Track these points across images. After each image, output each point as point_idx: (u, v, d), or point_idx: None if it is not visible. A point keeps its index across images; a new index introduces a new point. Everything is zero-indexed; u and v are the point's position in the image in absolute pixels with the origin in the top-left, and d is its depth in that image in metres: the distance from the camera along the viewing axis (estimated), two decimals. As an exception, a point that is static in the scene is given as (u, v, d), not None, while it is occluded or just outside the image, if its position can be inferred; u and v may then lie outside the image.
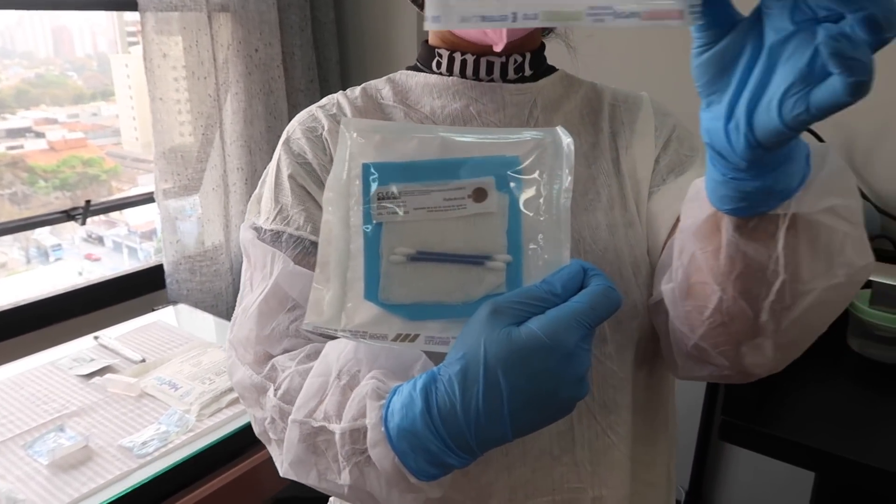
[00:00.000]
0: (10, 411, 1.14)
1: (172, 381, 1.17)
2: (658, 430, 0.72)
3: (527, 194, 0.50)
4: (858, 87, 0.35)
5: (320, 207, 0.63)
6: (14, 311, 1.56)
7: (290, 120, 0.72)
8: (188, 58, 1.66)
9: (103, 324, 1.50)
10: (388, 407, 0.47)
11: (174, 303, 1.68)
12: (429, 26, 0.42)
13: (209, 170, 1.76)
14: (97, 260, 2.84)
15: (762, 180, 0.43)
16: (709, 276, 0.52)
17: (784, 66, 0.37)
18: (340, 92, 0.72)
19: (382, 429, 0.47)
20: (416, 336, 0.49)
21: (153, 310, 1.56)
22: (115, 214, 2.84)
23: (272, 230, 0.64)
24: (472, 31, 0.65)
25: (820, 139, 1.36)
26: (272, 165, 0.69)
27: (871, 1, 0.33)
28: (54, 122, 3.02)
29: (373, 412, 0.48)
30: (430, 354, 0.53)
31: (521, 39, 0.67)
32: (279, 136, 0.70)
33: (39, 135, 2.95)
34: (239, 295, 0.67)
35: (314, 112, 0.70)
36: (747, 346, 0.54)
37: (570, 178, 0.49)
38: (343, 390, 0.52)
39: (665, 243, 0.65)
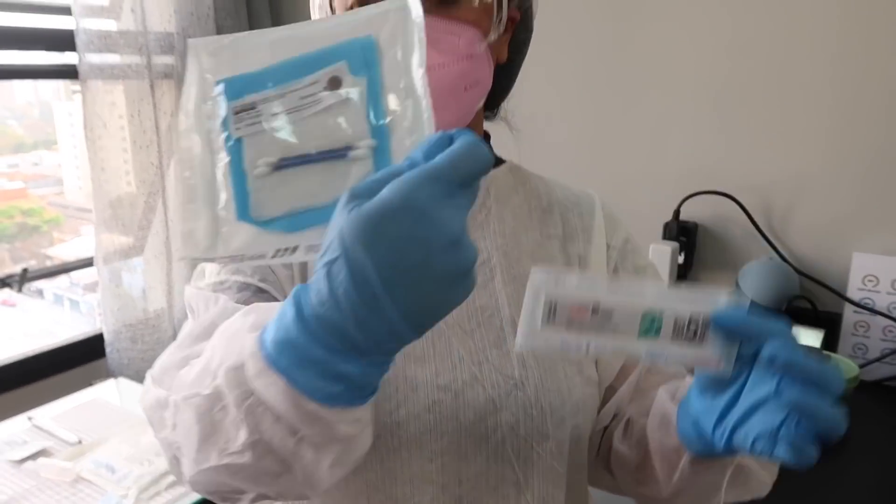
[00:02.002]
0: (-66, 501, 1.10)
1: (109, 463, 1.15)
2: None
3: (384, 72, 0.46)
4: (804, 465, 0.46)
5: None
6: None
7: None
8: (131, 127, 1.67)
9: (39, 398, 1.46)
10: (263, 331, 0.43)
11: (114, 376, 1.64)
12: None
13: (151, 236, 1.75)
14: (12, 305, 2.72)
15: (726, 451, 0.53)
16: (664, 483, 0.63)
17: (762, 415, 0.48)
18: None
19: (261, 353, 0.42)
20: (296, 247, 0.46)
21: (91, 384, 1.53)
22: (56, 266, 2.77)
23: (217, 281, 0.63)
24: None
25: (739, 204, 1.45)
26: None
27: (824, 420, 0.45)
28: None
29: (249, 343, 0.43)
30: None
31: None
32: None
33: None
34: None
35: None
36: None
37: (422, 47, 0.46)
38: (226, 343, 0.47)
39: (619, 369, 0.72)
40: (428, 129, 0.45)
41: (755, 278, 1.42)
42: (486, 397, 0.63)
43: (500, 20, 0.64)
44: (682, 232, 1.51)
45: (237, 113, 0.47)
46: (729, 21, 1.43)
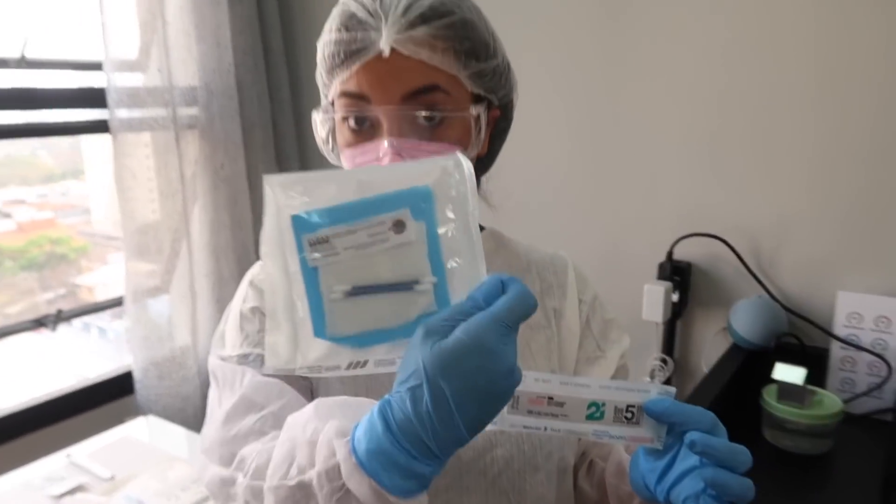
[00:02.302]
0: (-17, 534, 1.20)
1: (140, 498, 1.24)
2: None
3: (440, 218, 0.55)
4: None
5: None
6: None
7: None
8: (158, 177, 1.79)
9: (74, 434, 1.57)
10: (353, 439, 0.53)
11: (143, 412, 1.75)
12: None
13: (176, 280, 1.86)
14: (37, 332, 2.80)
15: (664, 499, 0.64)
16: None
17: (689, 481, 0.60)
18: None
19: (353, 458, 0.52)
20: (366, 361, 0.56)
21: (122, 421, 1.63)
22: (83, 293, 2.88)
23: (240, 354, 0.72)
24: None
25: (729, 245, 1.52)
26: (235, 303, 0.78)
27: (734, 493, 0.57)
28: (23, 202, 3.07)
29: (341, 448, 0.53)
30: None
31: None
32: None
33: (7, 215, 2.99)
34: (206, 415, 0.74)
35: None
36: None
37: (474, 197, 0.56)
38: (310, 444, 0.56)
39: None
40: (482, 271, 0.55)
41: (745, 316, 1.49)
42: (484, 436, 0.72)
43: (480, 131, 0.73)
44: (675, 272, 1.59)
45: (312, 244, 0.55)
46: (717, 71, 1.52)
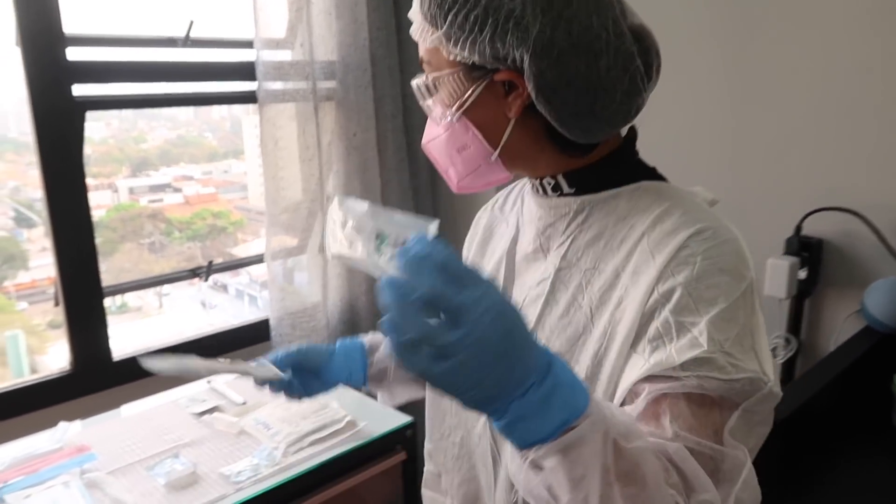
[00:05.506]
0: (137, 440, 1.39)
1: (266, 422, 1.38)
2: None
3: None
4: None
5: None
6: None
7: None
8: (298, 145, 1.94)
9: (217, 370, 1.76)
10: None
11: (276, 354, 1.92)
12: None
13: (311, 238, 2.01)
14: (193, 284, 3.13)
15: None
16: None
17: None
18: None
19: None
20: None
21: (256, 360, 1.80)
22: (235, 260, 3.20)
23: None
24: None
25: (866, 221, 1.42)
26: None
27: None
28: (190, 178, 3.43)
29: None
30: None
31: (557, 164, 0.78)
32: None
33: (177, 190, 3.37)
34: None
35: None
36: None
37: None
38: None
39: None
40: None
41: (881, 297, 1.38)
42: None
43: (463, 94, 0.74)
44: (804, 248, 1.50)
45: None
46: (853, 38, 1.42)
